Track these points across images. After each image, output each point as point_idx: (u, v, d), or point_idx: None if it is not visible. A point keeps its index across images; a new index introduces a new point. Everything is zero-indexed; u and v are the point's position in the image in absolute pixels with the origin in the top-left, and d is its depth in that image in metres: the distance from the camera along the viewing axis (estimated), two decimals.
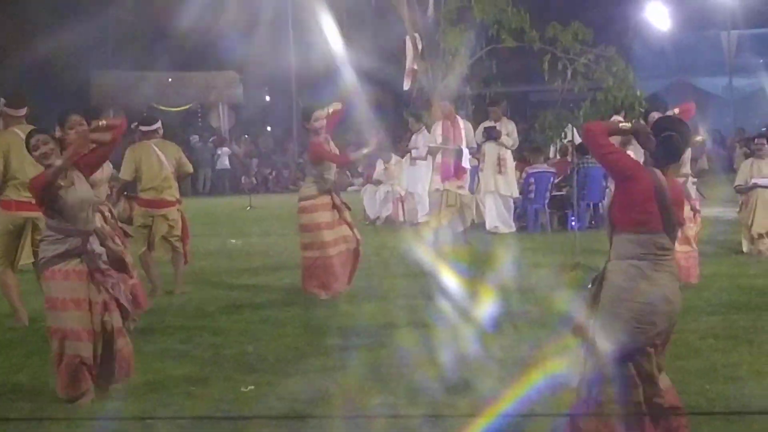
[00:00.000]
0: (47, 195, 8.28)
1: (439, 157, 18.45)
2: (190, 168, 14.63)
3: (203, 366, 9.62)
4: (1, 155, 11.70)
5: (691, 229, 13.32)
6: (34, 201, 9.08)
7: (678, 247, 13.41)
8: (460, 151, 18.22)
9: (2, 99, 12.50)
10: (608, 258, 6.68)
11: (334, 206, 13.34)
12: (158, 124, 14.02)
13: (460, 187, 18.28)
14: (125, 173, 13.38)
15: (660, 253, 6.52)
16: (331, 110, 13.43)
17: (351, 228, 13.47)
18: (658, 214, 6.48)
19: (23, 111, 12.24)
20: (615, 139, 7.41)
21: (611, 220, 6.69)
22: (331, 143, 13.45)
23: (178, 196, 13.81)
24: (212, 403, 8.41)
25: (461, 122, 18.81)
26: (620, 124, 7.41)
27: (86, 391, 8.38)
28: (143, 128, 13.86)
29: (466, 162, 18.43)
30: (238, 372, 9.37)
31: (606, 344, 6.47)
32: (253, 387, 8.79)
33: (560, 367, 9.15)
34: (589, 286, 6.83)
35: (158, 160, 13.54)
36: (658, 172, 6.56)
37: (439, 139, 18.56)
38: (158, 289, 13.49)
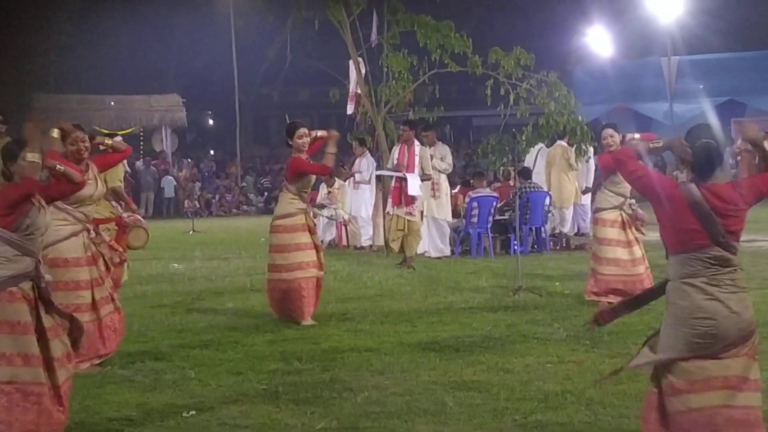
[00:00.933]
0: (25, 205, 8.01)
1: (392, 182, 18.83)
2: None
3: (144, 391, 9.52)
4: None
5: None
6: None
7: (632, 268, 13.57)
8: (405, 178, 18.33)
9: None
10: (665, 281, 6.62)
11: (308, 228, 13.16)
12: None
13: (408, 214, 18.43)
14: None
15: (715, 267, 6.36)
16: (318, 134, 13.29)
17: (319, 252, 13.26)
18: (701, 230, 6.36)
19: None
20: None
21: (663, 243, 6.59)
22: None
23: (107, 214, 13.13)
24: (153, 429, 8.35)
25: (417, 148, 18.87)
26: (650, 144, 7.18)
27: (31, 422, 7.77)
28: None
29: (414, 189, 18.43)
30: (180, 397, 9.30)
31: (664, 355, 6.47)
32: (194, 412, 8.71)
33: (497, 388, 9.20)
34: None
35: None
36: (691, 186, 6.42)
37: (395, 163, 18.79)
38: None
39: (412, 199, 18.46)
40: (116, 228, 13.30)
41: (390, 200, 18.93)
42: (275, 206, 14.06)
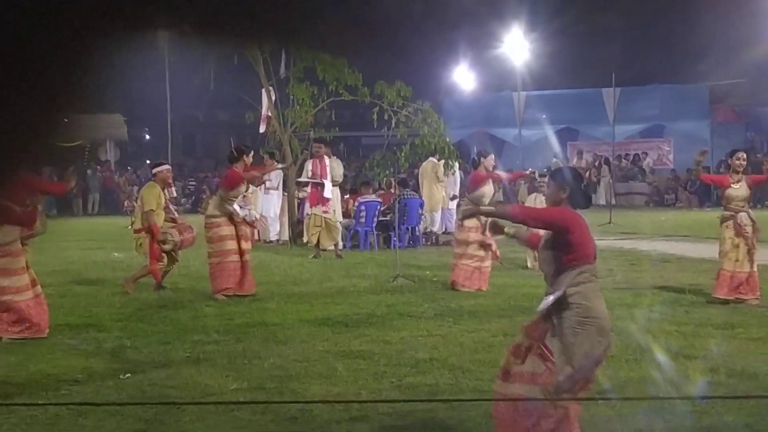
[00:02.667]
0: None
1: (308, 188, 19.07)
2: None
3: (87, 357, 9.38)
4: None
5: (494, 245, 13.76)
6: None
7: (483, 263, 13.82)
8: (322, 184, 18.68)
9: None
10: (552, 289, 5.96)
11: (233, 222, 13.31)
12: None
13: (324, 212, 18.71)
14: None
15: (593, 276, 6.00)
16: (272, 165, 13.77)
17: (243, 241, 13.40)
18: (591, 245, 6.04)
19: None
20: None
21: (562, 261, 5.97)
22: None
23: None
24: (95, 388, 8.21)
25: (327, 161, 19.10)
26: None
27: None
28: None
29: (329, 193, 18.83)
30: (117, 362, 9.19)
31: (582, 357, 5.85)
32: (129, 375, 8.61)
33: (378, 356, 9.21)
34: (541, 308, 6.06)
35: None
36: (576, 212, 6.08)
37: (309, 174, 18.96)
38: None
39: (327, 201, 18.74)
40: None
41: (308, 203, 19.18)
42: (203, 207, 14.25)
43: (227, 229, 13.25)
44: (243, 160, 13.61)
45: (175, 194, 16.63)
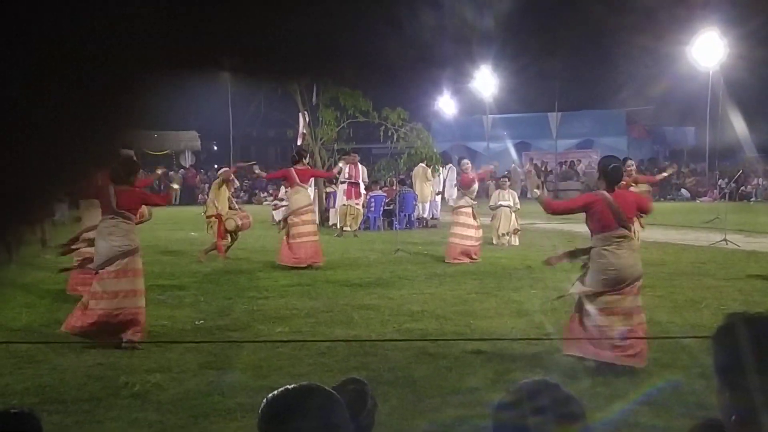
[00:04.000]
0: None
1: (344, 187, 19.34)
2: None
3: (172, 309, 9.33)
4: None
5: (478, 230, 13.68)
6: None
7: (476, 233, 13.58)
8: (357, 183, 19.17)
9: None
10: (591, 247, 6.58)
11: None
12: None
13: (356, 204, 19.13)
14: None
15: (619, 239, 6.44)
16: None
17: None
18: (612, 218, 6.44)
19: None
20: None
21: (589, 229, 6.58)
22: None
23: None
24: (176, 331, 8.22)
25: (360, 166, 19.69)
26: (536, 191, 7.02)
27: None
28: None
29: (363, 190, 19.49)
30: (193, 312, 9.15)
31: (588, 288, 6.46)
32: (202, 321, 8.64)
33: (383, 308, 9.21)
34: (582, 264, 6.70)
35: None
36: (605, 192, 6.50)
37: (347, 176, 19.20)
38: None
39: (360, 195, 19.23)
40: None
41: (344, 197, 19.25)
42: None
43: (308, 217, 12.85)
44: (302, 162, 13.28)
45: (234, 188, 16.34)
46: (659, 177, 14.60)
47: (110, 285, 7.43)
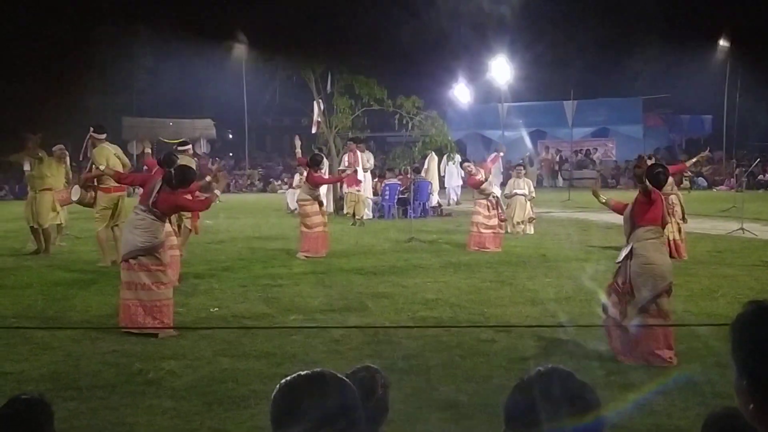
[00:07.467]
0: None
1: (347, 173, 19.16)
2: (127, 162, 12.75)
3: (187, 296, 9.35)
4: (106, 159, 11.56)
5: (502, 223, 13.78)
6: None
7: (495, 229, 13.58)
8: (356, 171, 18.95)
9: (91, 127, 12.12)
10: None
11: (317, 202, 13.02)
12: (105, 134, 12.10)
13: (357, 190, 18.94)
14: (102, 163, 11.33)
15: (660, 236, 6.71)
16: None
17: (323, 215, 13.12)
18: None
19: (104, 135, 12.10)
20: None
21: (633, 222, 6.66)
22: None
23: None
24: (192, 318, 8.26)
25: (359, 154, 19.62)
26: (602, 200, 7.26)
27: None
28: (96, 135, 12.02)
29: (361, 176, 19.18)
30: (208, 300, 9.20)
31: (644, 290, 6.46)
32: (217, 308, 8.69)
33: (397, 296, 9.21)
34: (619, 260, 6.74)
35: (114, 156, 12.14)
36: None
37: (346, 164, 19.25)
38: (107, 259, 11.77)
39: (359, 182, 18.99)
40: None
41: (345, 185, 19.10)
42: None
43: (313, 208, 12.90)
44: (321, 166, 13.51)
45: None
46: (689, 162, 14.76)
47: (131, 276, 7.63)
